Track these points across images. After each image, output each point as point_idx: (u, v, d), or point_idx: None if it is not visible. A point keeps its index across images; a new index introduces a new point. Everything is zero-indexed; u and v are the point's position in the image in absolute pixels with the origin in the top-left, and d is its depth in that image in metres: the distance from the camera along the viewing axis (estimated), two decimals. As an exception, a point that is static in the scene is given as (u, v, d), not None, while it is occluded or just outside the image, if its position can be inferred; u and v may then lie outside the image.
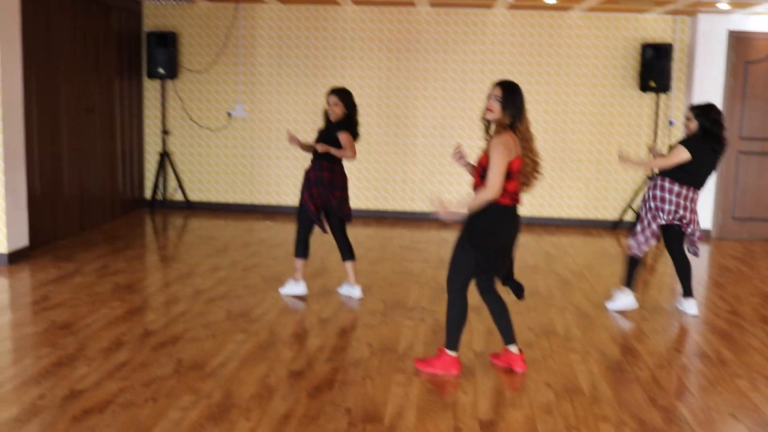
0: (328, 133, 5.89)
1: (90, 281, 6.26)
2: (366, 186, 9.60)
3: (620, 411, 4.08)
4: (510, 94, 4.30)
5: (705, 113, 5.70)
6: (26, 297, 5.90)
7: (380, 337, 5.16)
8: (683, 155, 5.63)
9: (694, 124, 5.73)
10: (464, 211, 4.30)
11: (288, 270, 6.66)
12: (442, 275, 6.79)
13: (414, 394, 4.20)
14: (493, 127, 4.38)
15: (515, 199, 4.37)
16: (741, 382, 4.56)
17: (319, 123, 8.13)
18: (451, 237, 8.63)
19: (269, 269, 6.88)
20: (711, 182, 8.97)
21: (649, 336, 5.43)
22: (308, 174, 5.93)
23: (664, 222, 5.73)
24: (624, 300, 5.98)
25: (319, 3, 9.15)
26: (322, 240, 5.92)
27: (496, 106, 4.30)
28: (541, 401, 4.17)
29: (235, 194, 9.73)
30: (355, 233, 8.56)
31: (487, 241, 4.35)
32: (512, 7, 8.86)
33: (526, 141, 4.32)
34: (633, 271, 5.94)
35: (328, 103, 5.88)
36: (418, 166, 9.55)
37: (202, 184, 9.75)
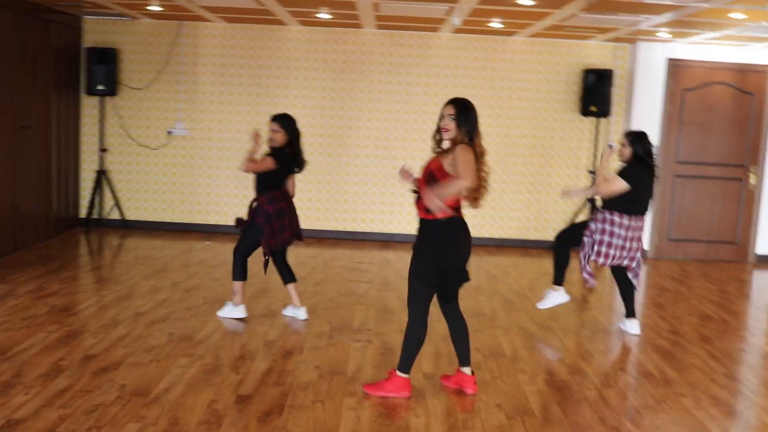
0: None
1: (24, 304, 6.02)
2: (308, 206, 9.52)
3: (571, 431, 4.10)
4: (464, 112, 4.31)
5: (639, 140, 5.84)
6: (-44, 320, 5.65)
7: (328, 359, 5.09)
8: (621, 185, 5.72)
9: (628, 151, 5.83)
10: (436, 199, 4.17)
11: (230, 291, 6.56)
12: (387, 296, 6.82)
13: (366, 418, 4.14)
14: (447, 144, 4.37)
15: (460, 213, 4.39)
16: (686, 401, 4.63)
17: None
18: (393, 257, 8.63)
19: (211, 291, 6.74)
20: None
21: (594, 356, 5.49)
22: (264, 207, 5.77)
23: (603, 263, 5.82)
24: (556, 297, 6.10)
25: (264, 23, 9.08)
26: (261, 260, 5.82)
27: (452, 125, 4.30)
28: (494, 423, 4.16)
29: (173, 213, 9.54)
30: (297, 253, 8.47)
31: (435, 253, 4.33)
32: (458, 31, 8.95)
33: (480, 156, 4.33)
34: (563, 269, 6.06)
35: (270, 129, 5.79)
36: (360, 187, 9.53)
37: (139, 202, 9.53)
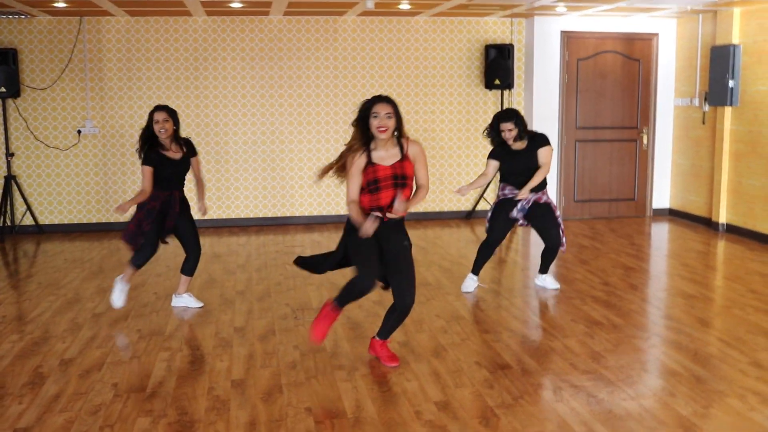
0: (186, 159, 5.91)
1: (-29, 316, 5.85)
2: (228, 195, 9.55)
3: (551, 379, 4.47)
4: (397, 107, 4.46)
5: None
6: None
7: (303, 339, 5.26)
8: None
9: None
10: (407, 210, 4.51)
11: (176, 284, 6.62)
12: (332, 276, 7.00)
13: (363, 387, 4.36)
14: (382, 144, 4.47)
15: None
16: (638, 342, 5.11)
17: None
18: (321, 238, 8.82)
19: (158, 285, 6.74)
20: (554, 168, 9.76)
21: (543, 311, 5.92)
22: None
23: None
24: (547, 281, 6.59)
25: (169, 15, 8.99)
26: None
27: (391, 123, 4.40)
28: (480, 378, 4.48)
29: (90, 214, 9.34)
30: (226, 242, 8.55)
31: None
32: (363, 14, 9.17)
33: None
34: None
35: (157, 120, 5.69)
36: (277, 172, 9.63)
37: (53, 206, 9.27)
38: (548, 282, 6.56)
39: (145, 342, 5.23)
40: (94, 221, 9.33)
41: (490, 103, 9.87)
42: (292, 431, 3.81)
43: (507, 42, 9.73)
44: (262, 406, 4.12)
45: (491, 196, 10.01)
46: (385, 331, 4.76)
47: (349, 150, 4.51)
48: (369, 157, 4.45)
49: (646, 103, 9.92)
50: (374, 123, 4.38)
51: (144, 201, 5.73)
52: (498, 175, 6.45)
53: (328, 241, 8.62)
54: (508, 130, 6.12)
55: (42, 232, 9.18)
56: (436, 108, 9.80)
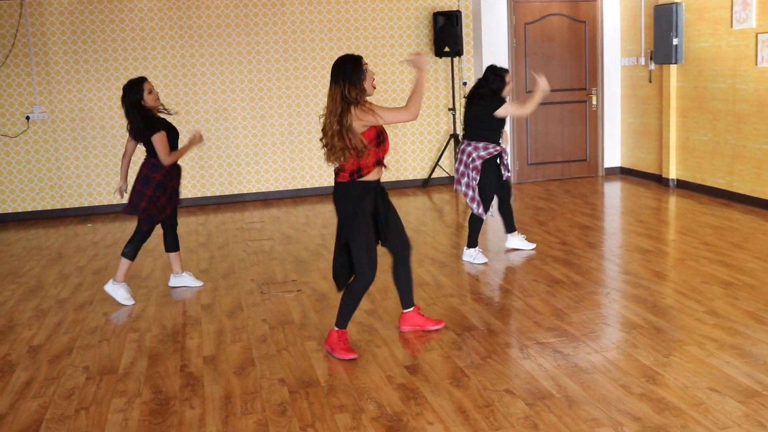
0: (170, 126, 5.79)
1: (-68, 309, 5.77)
2: (184, 175, 9.48)
3: (517, 338, 4.60)
4: None
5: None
6: None
7: (271, 312, 5.31)
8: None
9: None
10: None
11: (136, 265, 6.61)
12: (294, 249, 7.07)
13: (333, 358, 4.44)
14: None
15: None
16: (598, 298, 5.27)
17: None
18: (280, 213, 8.84)
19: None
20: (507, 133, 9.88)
21: (504, 272, 6.06)
22: (156, 177, 5.69)
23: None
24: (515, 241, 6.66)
25: (112, -7, 8.85)
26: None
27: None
28: (448, 341, 4.58)
29: (43, 201, 9.19)
30: (184, 222, 8.52)
31: None
32: (309, -15, 9.13)
33: None
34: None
35: (150, 90, 5.60)
36: (233, 149, 9.59)
37: (5, 194, 9.11)
38: (523, 243, 6.67)
39: (112, 324, 5.23)
40: (49, 208, 9.20)
41: (440, 71, 9.92)
42: (268, 402, 3.87)
43: (455, 9, 9.78)
44: (235, 380, 4.18)
45: (446, 163, 10.11)
46: (408, 299, 4.78)
47: (364, 106, 4.38)
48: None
49: (593, 64, 10.07)
50: (370, 81, 4.39)
51: (150, 175, 5.65)
52: (469, 132, 6.36)
53: (287, 216, 8.64)
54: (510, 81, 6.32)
55: (-5, 221, 9.04)
56: (387, 78, 9.81)
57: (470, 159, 6.23)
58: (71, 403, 3.98)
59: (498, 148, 6.29)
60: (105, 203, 9.26)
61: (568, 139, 10.16)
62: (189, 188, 9.50)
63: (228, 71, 9.42)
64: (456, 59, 9.87)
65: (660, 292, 5.31)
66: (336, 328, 4.49)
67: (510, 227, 6.66)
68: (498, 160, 6.36)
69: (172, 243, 6.00)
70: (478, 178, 6.20)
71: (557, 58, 9.95)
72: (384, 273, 5.88)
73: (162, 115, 5.70)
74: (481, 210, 6.23)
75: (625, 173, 10.30)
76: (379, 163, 4.44)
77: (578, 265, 6.08)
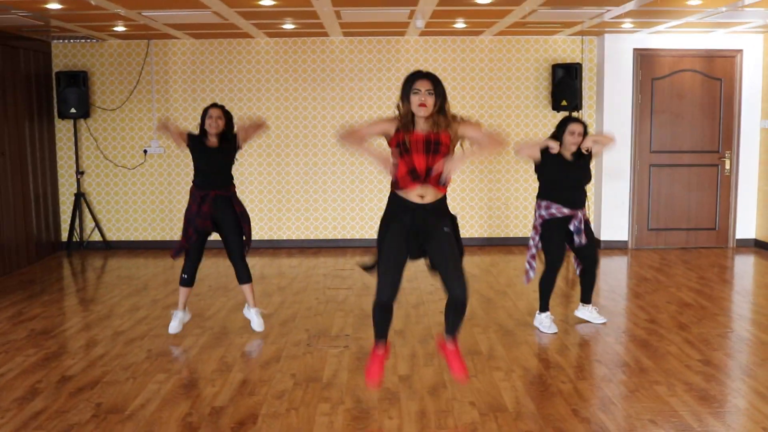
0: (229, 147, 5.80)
1: (4, 329, 6.04)
2: (288, 216, 9.56)
3: (543, 425, 4.13)
4: (439, 83, 4.21)
5: None
6: (-66, 350, 5.66)
7: (304, 367, 5.11)
8: None
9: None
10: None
11: (209, 305, 6.62)
12: (366, 301, 6.83)
13: (339, 422, 4.17)
14: (424, 121, 4.21)
15: None
16: (660, 389, 4.66)
17: (239, 154, 8.04)
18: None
19: (191, 306, 6.74)
20: (626, 194, 9.27)
21: (570, 349, 5.53)
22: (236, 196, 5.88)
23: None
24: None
25: (232, 37, 9.13)
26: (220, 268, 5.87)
27: (431, 100, 4.16)
28: (466, 421, 4.19)
29: (154, 231, 9.56)
30: (279, 264, 8.52)
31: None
32: (424, 33, 9.01)
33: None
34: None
35: (211, 116, 5.66)
36: (338, 194, 9.57)
37: (120, 223, 9.56)
38: (592, 315, 6.13)
39: (149, 362, 5.22)
40: (158, 239, 9.54)
41: (558, 125, 9.46)
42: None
43: (576, 61, 9.31)
44: (228, 437, 4.00)
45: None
46: (448, 327, 4.42)
47: (382, 121, 4.33)
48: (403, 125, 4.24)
49: (728, 125, 9.24)
50: (414, 99, 4.17)
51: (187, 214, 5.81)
52: (538, 190, 5.96)
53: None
54: (578, 134, 5.71)
55: (110, 247, 9.48)
56: (501, 129, 9.48)
57: (534, 217, 5.86)
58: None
59: (565, 211, 5.79)
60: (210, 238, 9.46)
61: (695, 205, 9.35)
62: (293, 230, 9.55)
63: (339, 115, 9.44)
64: (574, 114, 9.37)
65: (738, 391, 4.64)
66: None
67: (584, 297, 6.13)
68: (571, 226, 5.84)
69: (237, 275, 5.96)
70: (536, 238, 5.81)
71: (687, 117, 9.21)
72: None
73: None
74: (530, 273, 5.93)
75: (760, 246, 9.31)
76: (412, 174, 4.17)
77: (655, 349, 5.44)
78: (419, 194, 4.21)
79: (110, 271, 8.47)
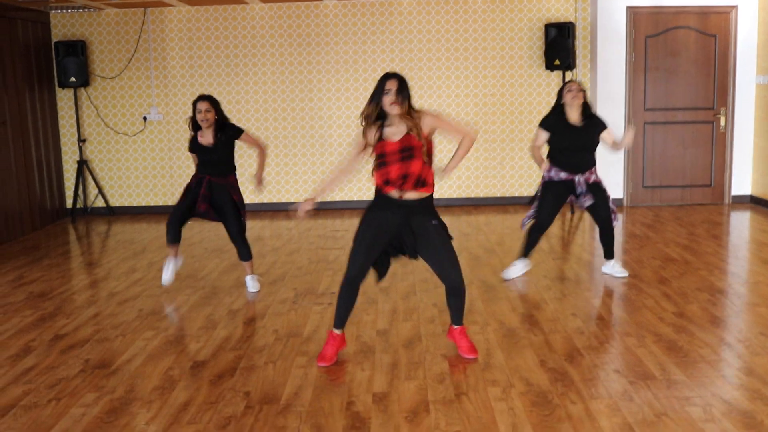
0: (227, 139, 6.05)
1: (4, 292, 6.28)
2: (286, 179, 9.72)
3: (509, 374, 4.28)
4: (405, 83, 4.37)
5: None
6: (-64, 312, 5.91)
7: (287, 323, 5.30)
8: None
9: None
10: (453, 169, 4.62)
11: (203, 266, 6.81)
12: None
13: (312, 374, 4.34)
14: (393, 121, 4.40)
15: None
16: (629, 340, 4.79)
17: (236, 120, 8.32)
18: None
19: (186, 267, 6.95)
20: (620, 153, 9.31)
21: (549, 303, 5.66)
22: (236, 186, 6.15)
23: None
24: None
25: (226, 3, 9.22)
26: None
27: (400, 98, 4.32)
28: (436, 372, 4.35)
29: (156, 197, 9.76)
30: (276, 226, 8.69)
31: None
32: (417, -5, 9.06)
33: None
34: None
35: (200, 110, 5.92)
36: (335, 157, 9.69)
37: (122, 189, 9.77)
38: (616, 269, 6.28)
39: (139, 321, 5.42)
40: (161, 203, 9.75)
41: (553, 84, 9.49)
42: (220, 414, 3.86)
43: (569, 20, 9.32)
44: (206, 388, 4.19)
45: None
46: (454, 316, 4.64)
47: (367, 127, 4.50)
48: (381, 133, 4.43)
49: (723, 82, 9.23)
50: (386, 99, 4.35)
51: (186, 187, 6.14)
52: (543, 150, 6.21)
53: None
54: (576, 89, 5.92)
55: (113, 213, 9.70)
56: (495, 90, 9.54)
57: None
58: (51, 392, 4.16)
59: (562, 175, 5.98)
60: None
61: (690, 163, 9.39)
62: (292, 192, 9.72)
63: (335, 79, 9.54)
64: (567, 73, 9.40)
65: (703, 342, 4.76)
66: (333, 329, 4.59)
67: (606, 254, 6.33)
68: (577, 189, 6.03)
69: (240, 253, 6.18)
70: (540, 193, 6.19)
71: (681, 74, 9.22)
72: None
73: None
74: (525, 219, 6.32)
75: (756, 203, 9.36)
76: (389, 183, 4.39)
77: (632, 302, 5.57)
78: (399, 196, 4.41)
79: (111, 236, 8.69)
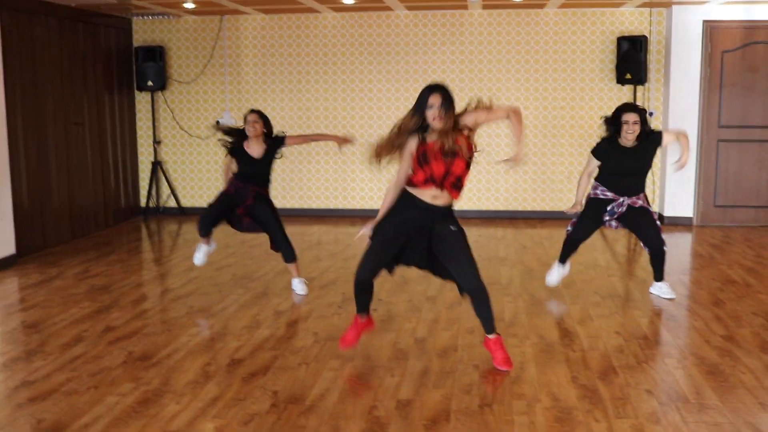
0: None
1: (68, 284, 6.58)
2: (353, 186, 9.84)
3: (538, 389, 4.24)
4: (450, 97, 4.41)
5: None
6: (2, 300, 6.23)
7: (329, 327, 5.38)
8: None
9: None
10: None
11: (259, 267, 6.97)
12: (407, 268, 7.03)
13: (343, 378, 4.40)
14: (435, 134, 4.41)
15: None
16: (670, 361, 4.68)
17: (305, 127, 8.48)
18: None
19: (243, 268, 7.13)
20: (691, 170, 9.04)
21: (594, 320, 5.57)
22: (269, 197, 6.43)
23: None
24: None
25: (299, 12, 9.43)
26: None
27: (443, 112, 4.35)
28: (465, 382, 4.35)
29: (227, 199, 10.04)
30: (338, 232, 8.80)
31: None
32: (487, 6, 9.04)
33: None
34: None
35: (248, 121, 6.17)
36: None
37: (194, 190, 10.09)
38: (663, 290, 6.13)
39: (187, 317, 5.60)
40: (229, 206, 10.01)
41: (624, 99, 9.30)
42: (246, 411, 3.96)
43: (642, 34, 9.12)
44: (238, 384, 4.30)
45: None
46: (485, 326, 4.62)
47: (404, 132, 4.53)
48: (423, 138, 4.46)
49: (804, 100, 8.88)
50: (429, 114, 4.38)
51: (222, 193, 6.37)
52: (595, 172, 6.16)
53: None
54: (633, 123, 5.75)
55: (184, 214, 10.02)
56: (565, 103, 9.43)
57: None
58: (92, 380, 4.35)
59: (608, 194, 5.94)
60: (278, 205, 9.87)
61: (766, 182, 9.04)
62: (358, 199, 9.83)
63: (404, 88, 9.61)
64: (639, 87, 9.20)
65: (746, 368, 4.60)
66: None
67: (655, 277, 6.17)
68: (609, 207, 5.95)
69: (285, 256, 6.34)
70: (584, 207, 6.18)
71: (759, 91, 8.90)
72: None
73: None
74: (569, 228, 6.27)
75: (836, 227, 8.95)
76: (430, 180, 4.39)
77: (680, 323, 5.43)
78: (433, 195, 4.43)
79: (181, 236, 8.98)
